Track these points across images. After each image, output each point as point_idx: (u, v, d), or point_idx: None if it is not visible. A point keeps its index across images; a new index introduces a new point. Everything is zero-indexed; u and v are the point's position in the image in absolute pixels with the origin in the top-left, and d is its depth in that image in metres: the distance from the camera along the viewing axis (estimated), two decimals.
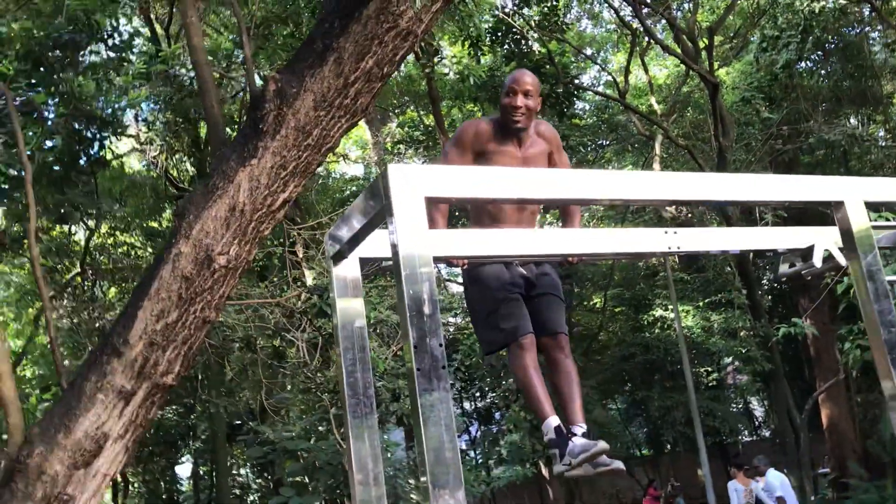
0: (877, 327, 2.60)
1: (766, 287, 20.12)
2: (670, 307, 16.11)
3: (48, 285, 15.14)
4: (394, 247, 1.96)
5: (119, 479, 21.90)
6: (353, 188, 18.45)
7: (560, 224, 3.71)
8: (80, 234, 14.65)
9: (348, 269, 2.53)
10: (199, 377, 11.05)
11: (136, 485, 21.78)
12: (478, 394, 20.81)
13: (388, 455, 7.28)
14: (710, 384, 19.25)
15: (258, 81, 4.57)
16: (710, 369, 18.80)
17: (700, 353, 18.21)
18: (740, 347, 15.82)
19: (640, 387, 19.46)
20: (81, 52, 5.88)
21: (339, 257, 2.51)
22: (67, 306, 13.91)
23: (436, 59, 10.53)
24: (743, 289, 15.73)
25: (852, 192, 2.70)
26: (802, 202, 2.81)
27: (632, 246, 2.97)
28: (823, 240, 3.16)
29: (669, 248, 2.86)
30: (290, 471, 9.19)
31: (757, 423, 27.36)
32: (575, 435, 3.15)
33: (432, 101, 13.64)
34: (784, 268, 3.43)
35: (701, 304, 17.50)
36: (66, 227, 13.27)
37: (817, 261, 3.20)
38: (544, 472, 16.59)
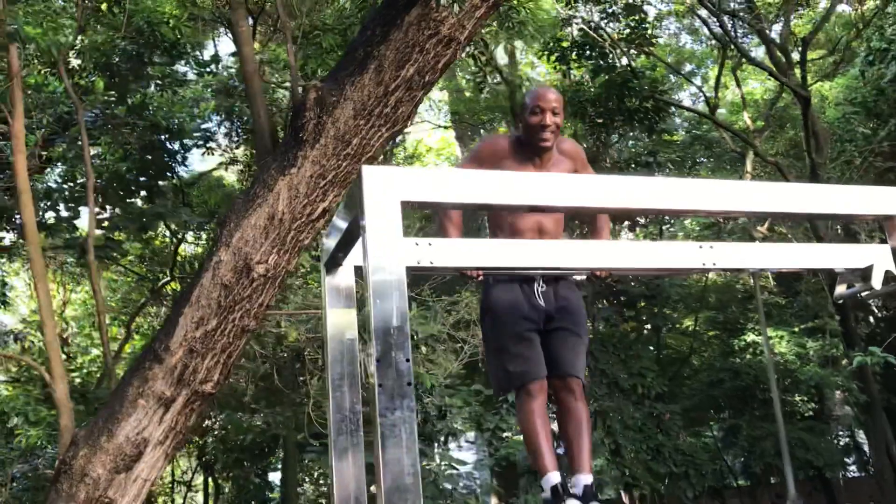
0: None
1: (865, 314, 18.97)
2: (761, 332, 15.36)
3: (139, 290, 15.79)
4: (364, 253, 1.85)
5: (211, 483, 22.64)
6: None
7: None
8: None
9: (342, 277, 2.43)
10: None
11: (226, 490, 22.42)
12: None
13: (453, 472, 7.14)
14: (806, 414, 18.22)
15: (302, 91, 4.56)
16: (805, 399, 17.80)
17: (796, 382, 17.29)
18: (834, 377, 14.91)
19: (733, 415, 18.65)
20: (148, 65, 6.06)
21: (332, 265, 2.41)
22: (158, 312, 14.44)
23: (488, 69, 10.39)
24: (837, 314, 14.84)
25: None
26: (851, 215, 2.53)
27: (662, 260, 2.75)
28: (884, 259, 2.86)
29: (704, 264, 2.63)
30: None
31: (866, 457, 25.75)
32: (573, 497, 2.97)
33: (514, 116, 13.52)
34: (842, 289, 3.13)
35: (796, 329, 16.61)
36: (161, 236, 13.81)
37: (876, 282, 2.90)
38: (624, 499, 16.03)
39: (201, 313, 4.24)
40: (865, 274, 2.98)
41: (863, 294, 3.02)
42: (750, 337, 17.36)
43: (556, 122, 3.28)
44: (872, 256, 2.91)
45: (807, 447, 16.25)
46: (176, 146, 7.79)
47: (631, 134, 17.05)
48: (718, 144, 18.02)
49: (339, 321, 2.39)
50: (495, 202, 2.09)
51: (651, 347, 18.08)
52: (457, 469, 7.30)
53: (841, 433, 22.61)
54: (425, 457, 6.74)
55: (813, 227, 13.23)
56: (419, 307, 7.99)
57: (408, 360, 1.79)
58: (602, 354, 14.83)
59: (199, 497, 24.77)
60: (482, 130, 21.34)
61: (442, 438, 6.73)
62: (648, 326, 18.17)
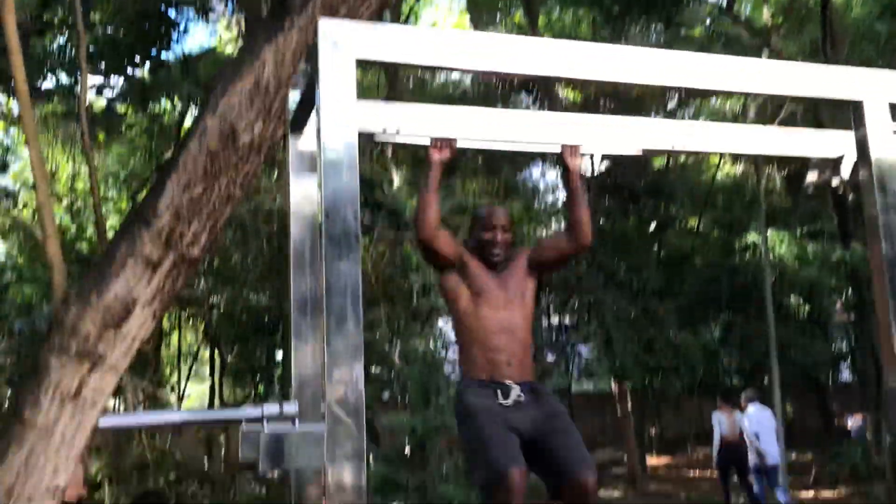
0: (879, 241, 2.36)
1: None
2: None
3: (148, 164, 15.83)
4: (317, 111, 1.85)
5: (217, 358, 23.35)
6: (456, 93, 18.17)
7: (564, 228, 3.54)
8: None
9: (306, 142, 2.41)
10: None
11: (230, 362, 23.14)
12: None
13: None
14: (802, 317, 18.49)
15: None
16: (801, 301, 18.01)
17: (795, 284, 17.43)
18: (827, 279, 15.01)
19: (730, 315, 18.90)
20: None
21: (296, 127, 2.39)
22: None
23: None
24: (835, 216, 14.80)
25: (875, 91, 2.39)
26: (821, 98, 2.51)
27: (629, 139, 2.73)
28: (852, 147, 2.86)
29: (673, 146, 2.63)
30: None
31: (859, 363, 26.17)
32: None
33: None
34: (813, 175, 3.15)
35: (799, 232, 16.63)
36: (166, 110, 13.73)
37: (845, 171, 2.91)
38: (614, 388, 16.51)
39: (188, 178, 4.26)
40: (836, 164, 2.99)
41: (834, 183, 3.03)
42: (751, 237, 17.40)
43: (506, 239, 3.42)
44: (844, 145, 2.91)
45: (798, 348, 16.55)
46: (172, 14, 7.66)
47: (650, 27, 16.58)
48: (738, 41, 17.52)
49: (304, 191, 2.35)
50: (461, 66, 2.05)
51: (650, 245, 18.17)
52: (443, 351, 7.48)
53: (837, 338, 22.89)
54: (414, 335, 6.92)
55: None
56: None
57: (356, 216, 1.82)
58: (601, 248, 14.93)
59: (206, 369, 25.66)
60: (498, 15, 20.78)
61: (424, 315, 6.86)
62: (654, 225, 18.18)
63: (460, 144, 2.85)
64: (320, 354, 2.39)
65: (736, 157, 19.66)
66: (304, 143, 2.38)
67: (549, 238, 3.83)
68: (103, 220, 5.34)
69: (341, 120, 1.77)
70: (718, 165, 20.24)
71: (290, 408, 1.77)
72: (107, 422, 1.83)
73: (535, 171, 22.14)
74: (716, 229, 20.61)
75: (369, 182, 6.49)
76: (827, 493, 12.42)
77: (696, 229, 20.01)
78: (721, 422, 10.57)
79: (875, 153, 2.37)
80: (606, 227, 16.37)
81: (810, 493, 12.49)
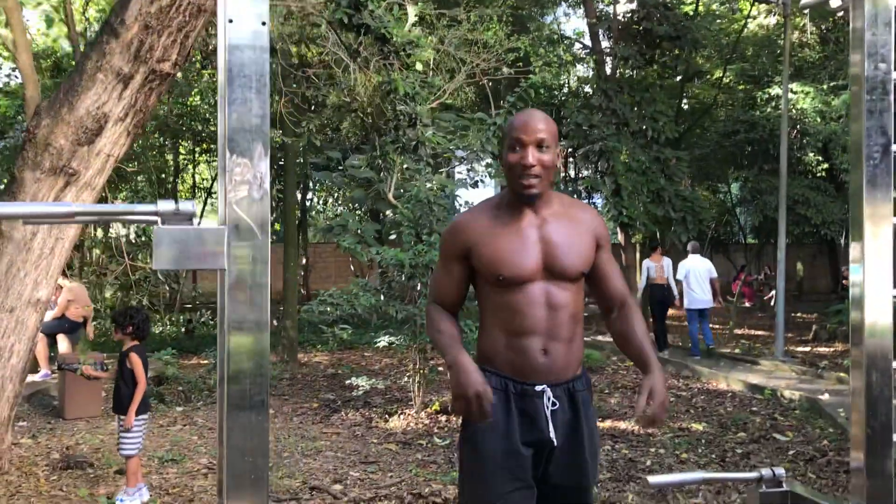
0: (862, 58, 2.16)
1: None
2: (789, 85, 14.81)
3: None
4: None
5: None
6: None
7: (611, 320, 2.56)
8: None
9: None
10: None
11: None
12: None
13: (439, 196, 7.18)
14: (818, 174, 18.12)
15: None
16: (820, 158, 17.60)
17: (815, 140, 16.97)
18: (846, 135, 14.57)
19: (744, 169, 18.58)
20: None
21: None
22: None
23: None
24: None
25: None
26: None
27: None
28: None
29: None
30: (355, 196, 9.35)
31: None
32: None
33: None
34: None
35: (825, 87, 16.02)
36: None
37: None
38: (620, 238, 16.48)
39: None
40: None
41: (830, 1, 2.78)
42: (774, 90, 16.81)
43: (543, 161, 2.33)
44: None
45: (809, 204, 16.35)
46: None
47: None
48: None
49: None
50: None
51: (673, 96, 17.62)
52: (443, 191, 7.36)
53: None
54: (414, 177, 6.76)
55: None
56: (417, 24, 7.55)
57: (265, 23, 1.64)
58: (616, 95, 14.49)
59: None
60: None
61: (410, 147, 6.64)
62: (679, 76, 17.54)
63: None
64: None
65: (769, 9, 18.71)
66: None
67: (607, 267, 2.55)
68: (74, 28, 5.12)
69: None
70: (748, 15, 19.28)
71: (187, 206, 1.64)
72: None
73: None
74: (742, 82, 19.93)
75: (354, 1, 6.11)
76: (822, 349, 12.61)
77: (720, 81, 19.33)
78: (650, 267, 11.84)
79: None
80: (624, 74, 15.82)
81: (807, 349, 12.69)
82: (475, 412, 2.17)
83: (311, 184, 21.46)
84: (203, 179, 23.69)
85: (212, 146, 18.98)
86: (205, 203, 24.29)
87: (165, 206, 1.83)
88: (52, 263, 4.57)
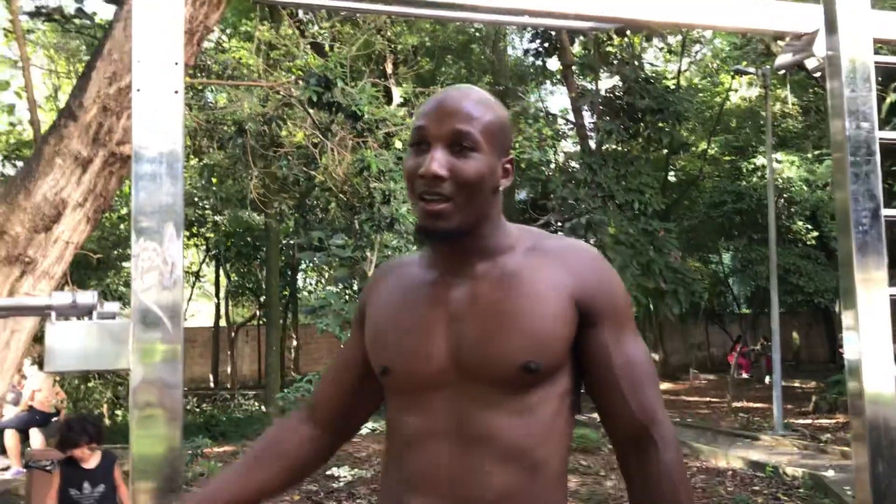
0: (843, 119, 2.03)
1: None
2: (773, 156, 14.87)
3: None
4: None
5: (223, 274, 23.59)
6: None
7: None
8: None
9: None
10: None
11: (233, 278, 23.51)
12: None
13: None
14: (808, 242, 18.09)
15: None
16: (809, 226, 17.60)
17: (803, 208, 16.99)
18: (832, 202, 14.57)
19: (734, 239, 18.55)
20: None
21: None
22: None
23: None
24: None
25: None
26: None
27: (583, 5, 2.33)
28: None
29: (603, 12, 2.24)
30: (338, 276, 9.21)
31: None
32: None
33: None
34: (786, 57, 2.77)
35: (809, 155, 16.12)
36: None
37: (819, 48, 2.54)
38: None
39: (114, 68, 3.95)
40: (810, 38, 2.62)
41: (806, 61, 2.66)
42: (759, 160, 16.92)
43: (462, 172, 1.30)
44: (818, 20, 2.53)
45: (801, 273, 16.23)
46: None
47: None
48: None
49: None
50: None
51: (659, 168, 17.71)
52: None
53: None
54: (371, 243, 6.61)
55: None
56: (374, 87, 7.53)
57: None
58: (601, 168, 14.50)
59: (209, 286, 26.02)
60: None
61: (384, 224, 6.53)
62: (664, 149, 17.65)
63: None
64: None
65: (749, 81, 18.99)
66: None
67: (611, 362, 1.35)
68: (37, 116, 5.02)
69: None
70: (730, 88, 19.58)
71: (86, 297, 1.43)
72: None
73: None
74: (727, 153, 20.11)
75: (324, 80, 6.08)
76: (823, 421, 12.29)
77: (705, 153, 19.49)
78: None
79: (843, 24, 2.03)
80: (609, 148, 15.89)
81: (807, 421, 12.35)
82: None
83: (301, 264, 21.39)
84: (192, 263, 23.56)
85: (201, 229, 18.94)
86: (192, 286, 24.10)
87: (61, 298, 1.62)
88: (7, 357, 4.33)
